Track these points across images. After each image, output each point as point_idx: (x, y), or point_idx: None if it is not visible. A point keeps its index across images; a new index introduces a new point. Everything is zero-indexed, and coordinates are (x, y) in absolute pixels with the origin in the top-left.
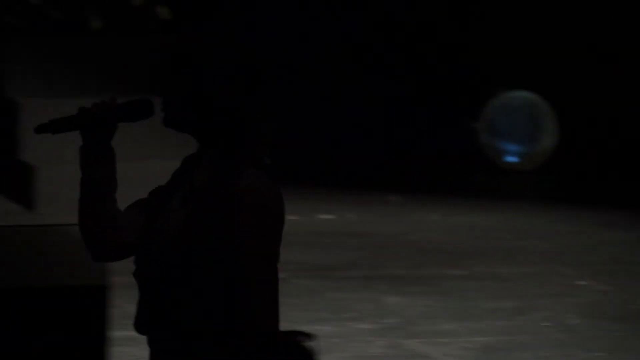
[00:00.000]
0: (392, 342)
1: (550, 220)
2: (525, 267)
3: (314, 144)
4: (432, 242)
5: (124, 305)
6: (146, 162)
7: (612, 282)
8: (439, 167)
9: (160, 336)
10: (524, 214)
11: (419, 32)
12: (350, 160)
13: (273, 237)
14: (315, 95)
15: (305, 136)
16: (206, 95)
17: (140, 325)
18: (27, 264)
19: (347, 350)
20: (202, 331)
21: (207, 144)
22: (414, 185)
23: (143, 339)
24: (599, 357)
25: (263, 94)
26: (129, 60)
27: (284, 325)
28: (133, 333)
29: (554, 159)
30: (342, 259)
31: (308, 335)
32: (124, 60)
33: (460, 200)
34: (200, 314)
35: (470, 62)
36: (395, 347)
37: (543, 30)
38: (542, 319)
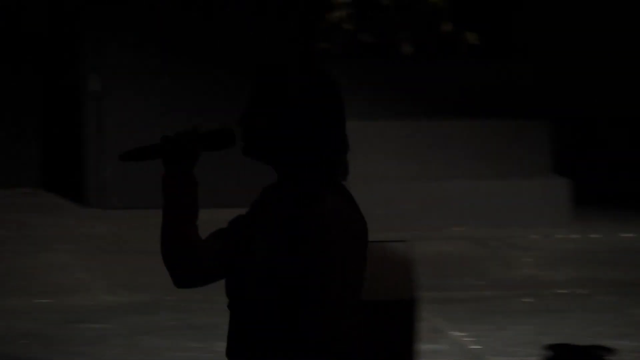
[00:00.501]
0: None
1: None
2: None
3: (611, 164)
4: None
5: (431, 319)
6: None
7: None
8: None
9: None
10: None
11: None
12: None
13: (353, 260)
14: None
15: (601, 157)
16: (288, 126)
17: (230, 353)
18: None
19: None
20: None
21: (286, 174)
22: None
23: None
24: None
25: (340, 124)
26: (438, 84)
27: (588, 340)
28: (438, 346)
29: None
30: None
31: (610, 350)
32: (433, 84)
33: None
34: (284, 340)
35: None
36: None
37: None
38: None
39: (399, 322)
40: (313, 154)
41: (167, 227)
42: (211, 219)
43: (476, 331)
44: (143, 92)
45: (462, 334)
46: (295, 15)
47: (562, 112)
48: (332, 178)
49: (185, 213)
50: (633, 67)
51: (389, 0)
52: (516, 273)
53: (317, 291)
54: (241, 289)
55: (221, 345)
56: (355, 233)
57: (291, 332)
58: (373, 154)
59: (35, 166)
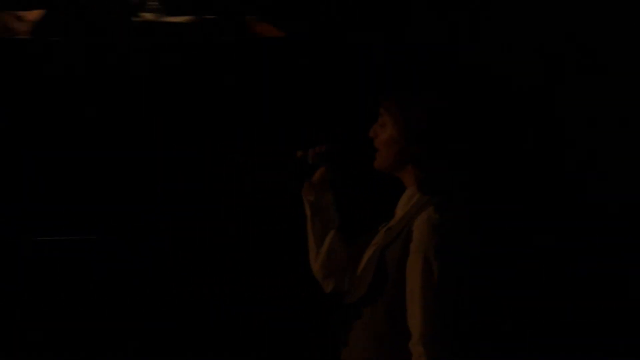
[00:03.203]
0: None
1: None
2: None
3: None
4: None
5: None
6: None
7: None
8: None
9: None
10: None
11: None
12: None
13: (447, 266)
14: None
15: None
16: (413, 139)
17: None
18: None
19: None
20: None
21: (408, 183)
22: None
23: None
24: None
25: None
26: None
27: None
28: None
29: None
30: None
31: None
32: None
33: None
34: (389, 330)
35: None
36: None
37: None
38: None
39: None
40: (428, 165)
41: (313, 237)
42: None
43: None
44: None
45: None
46: None
47: None
48: (446, 185)
49: (330, 223)
50: None
51: None
52: None
53: (406, 291)
54: (357, 293)
55: None
56: (448, 239)
57: (397, 330)
58: None
59: None
